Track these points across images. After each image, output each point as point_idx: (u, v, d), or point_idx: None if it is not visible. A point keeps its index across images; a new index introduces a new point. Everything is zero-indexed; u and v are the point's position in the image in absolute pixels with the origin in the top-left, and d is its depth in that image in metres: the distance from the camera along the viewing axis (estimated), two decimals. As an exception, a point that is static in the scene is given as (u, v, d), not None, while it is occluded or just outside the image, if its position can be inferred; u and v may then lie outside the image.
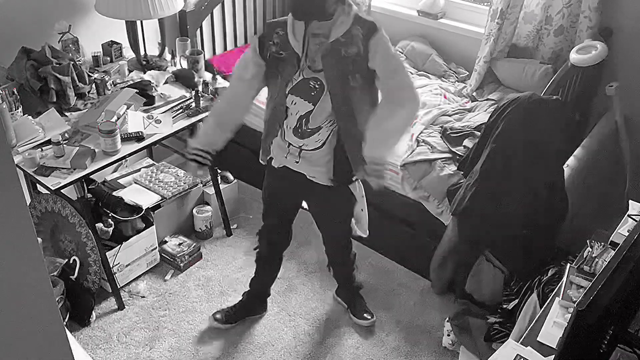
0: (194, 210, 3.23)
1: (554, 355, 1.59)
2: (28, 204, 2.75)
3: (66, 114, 2.73)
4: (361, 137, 2.10)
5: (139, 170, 3.25)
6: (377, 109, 2.13)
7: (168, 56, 3.20)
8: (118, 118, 2.66)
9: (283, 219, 2.57)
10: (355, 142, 2.13)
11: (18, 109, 2.62)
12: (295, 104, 2.13)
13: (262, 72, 2.17)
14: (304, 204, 2.58)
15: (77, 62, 2.81)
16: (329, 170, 2.23)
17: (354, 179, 2.31)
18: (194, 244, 3.12)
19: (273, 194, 2.48)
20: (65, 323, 2.61)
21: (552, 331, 1.80)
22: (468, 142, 2.83)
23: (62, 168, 2.46)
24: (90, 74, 2.89)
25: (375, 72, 2.07)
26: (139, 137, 2.65)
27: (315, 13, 1.95)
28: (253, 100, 2.28)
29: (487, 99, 3.19)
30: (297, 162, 2.24)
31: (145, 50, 3.12)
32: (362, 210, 2.46)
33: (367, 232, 2.52)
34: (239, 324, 2.77)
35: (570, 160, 2.64)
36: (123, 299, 2.85)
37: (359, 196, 2.42)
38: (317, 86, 2.08)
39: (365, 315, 2.79)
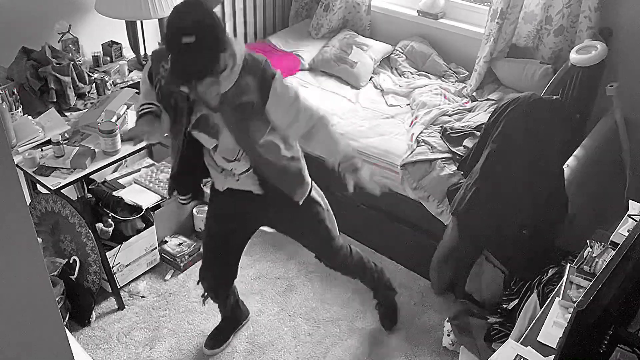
0: (194, 210, 3.23)
1: (554, 355, 1.59)
2: (28, 204, 2.75)
3: (66, 114, 2.74)
4: (279, 165, 2.09)
5: (139, 170, 3.24)
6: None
7: (168, 56, 3.19)
8: (118, 118, 2.66)
9: (228, 256, 2.43)
10: (276, 171, 2.10)
11: (18, 109, 2.62)
12: (202, 138, 2.06)
13: (153, 131, 2.06)
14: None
15: (77, 62, 2.81)
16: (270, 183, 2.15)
17: (300, 201, 2.21)
18: (194, 244, 3.12)
19: (220, 226, 2.33)
20: (65, 323, 2.61)
21: (552, 331, 1.80)
22: (468, 142, 2.83)
23: (62, 168, 2.46)
24: (90, 74, 2.89)
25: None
26: (139, 137, 2.65)
27: (193, 76, 1.84)
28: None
29: (487, 99, 3.19)
30: (238, 181, 2.15)
31: (145, 50, 3.12)
32: (326, 211, 2.35)
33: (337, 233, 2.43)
34: (231, 339, 2.71)
35: (570, 160, 2.64)
36: (123, 299, 2.85)
37: (320, 197, 2.32)
38: (215, 123, 2.01)
39: (386, 323, 2.78)
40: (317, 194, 2.32)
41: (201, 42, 1.76)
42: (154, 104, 2.07)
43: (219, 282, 2.52)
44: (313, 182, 2.29)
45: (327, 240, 2.38)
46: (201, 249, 2.49)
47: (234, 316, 2.72)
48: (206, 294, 2.53)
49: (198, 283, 2.51)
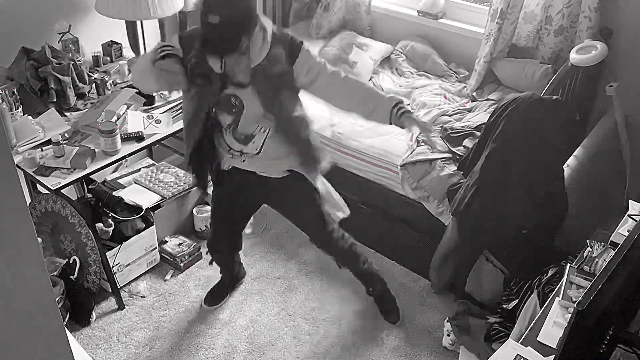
0: (194, 210, 3.23)
1: (554, 355, 1.59)
2: (28, 204, 2.75)
3: (66, 114, 2.74)
4: (307, 140, 2.24)
5: (139, 170, 3.24)
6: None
7: (168, 56, 3.19)
8: (118, 118, 2.66)
9: (234, 229, 2.63)
10: (302, 142, 2.23)
11: (18, 109, 2.62)
12: (220, 116, 2.17)
13: (180, 73, 2.11)
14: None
15: (77, 62, 2.81)
16: (279, 165, 2.28)
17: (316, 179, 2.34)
18: (194, 244, 3.12)
19: (226, 202, 2.48)
20: (65, 323, 2.61)
21: (552, 331, 1.80)
22: (468, 142, 2.83)
23: (62, 168, 2.46)
24: (90, 74, 2.89)
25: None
26: (139, 137, 2.65)
27: (225, 50, 1.97)
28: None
29: (487, 99, 3.19)
30: (244, 162, 2.26)
31: (145, 50, 3.12)
32: (328, 191, 2.43)
33: (347, 210, 2.48)
34: (227, 299, 2.90)
35: (570, 160, 2.64)
36: (123, 299, 2.85)
37: (321, 183, 2.40)
38: (237, 103, 2.12)
39: (390, 316, 2.80)
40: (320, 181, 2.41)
41: (227, 22, 1.90)
42: (172, 46, 2.10)
43: (226, 253, 2.74)
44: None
45: (320, 224, 2.50)
46: (210, 224, 2.71)
47: (235, 277, 2.93)
48: (212, 262, 2.80)
49: (207, 253, 2.77)
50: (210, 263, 2.82)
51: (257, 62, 2.05)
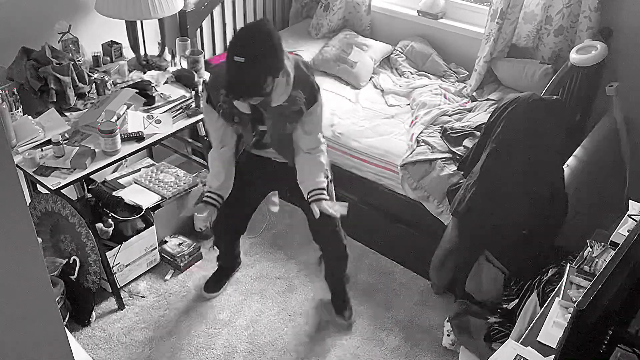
0: (194, 210, 3.23)
1: (554, 355, 1.59)
2: (28, 204, 2.75)
3: (66, 114, 2.74)
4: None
5: (139, 170, 3.24)
6: (302, 162, 2.34)
7: (168, 56, 3.19)
8: (118, 118, 2.66)
9: (242, 213, 2.68)
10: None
11: (18, 109, 2.62)
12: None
13: (221, 121, 2.28)
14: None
15: (77, 62, 2.81)
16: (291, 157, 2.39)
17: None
18: (194, 244, 3.12)
19: (243, 179, 2.51)
20: (65, 323, 2.61)
21: (552, 331, 1.80)
22: (468, 142, 2.83)
23: (62, 168, 2.46)
24: (90, 74, 2.89)
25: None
26: (139, 137, 2.65)
27: (250, 92, 2.01)
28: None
29: (487, 99, 3.19)
30: (260, 150, 2.40)
31: (145, 50, 3.12)
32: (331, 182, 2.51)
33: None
34: (225, 288, 2.96)
35: (570, 160, 2.64)
36: (123, 299, 2.85)
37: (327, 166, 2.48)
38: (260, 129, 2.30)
39: (344, 312, 2.78)
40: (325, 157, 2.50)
41: (252, 64, 1.93)
42: (217, 197, 2.36)
43: (231, 234, 2.82)
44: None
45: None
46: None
47: (231, 265, 3.02)
48: (215, 244, 2.92)
49: (210, 228, 2.89)
50: (212, 247, 2.93)
51: (278, 104, 2.13)
